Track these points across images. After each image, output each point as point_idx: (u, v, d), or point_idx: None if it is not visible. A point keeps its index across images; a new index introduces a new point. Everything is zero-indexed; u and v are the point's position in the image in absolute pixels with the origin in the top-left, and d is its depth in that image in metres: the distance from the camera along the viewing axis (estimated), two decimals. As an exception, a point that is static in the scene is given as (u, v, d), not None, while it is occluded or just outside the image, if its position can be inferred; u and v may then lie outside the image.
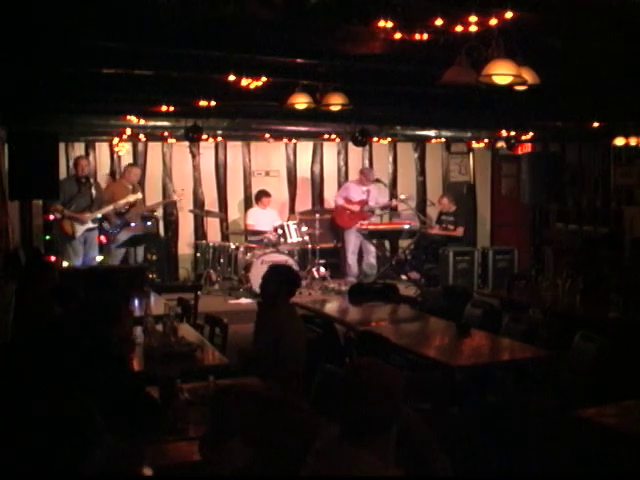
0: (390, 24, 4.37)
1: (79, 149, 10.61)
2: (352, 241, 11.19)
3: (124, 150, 10.82)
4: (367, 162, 12.12)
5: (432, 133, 10.81)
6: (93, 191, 9.56)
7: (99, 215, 9.63)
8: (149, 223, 10.31)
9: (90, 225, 9.42)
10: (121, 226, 9.79)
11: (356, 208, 11.11)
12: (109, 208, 9.66)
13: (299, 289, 9.85)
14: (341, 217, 11.25)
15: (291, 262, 9.83)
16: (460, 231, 10.95)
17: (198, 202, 11.31)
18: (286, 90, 6.52)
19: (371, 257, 11.32)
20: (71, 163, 10.16)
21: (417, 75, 6.12)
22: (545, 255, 11.27)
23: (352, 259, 11.24)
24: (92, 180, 9.73)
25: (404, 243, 11.42)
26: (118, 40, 5.02)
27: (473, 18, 4.22)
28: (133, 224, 9.93)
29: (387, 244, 11.91)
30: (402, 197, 11.07)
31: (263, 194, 10.85)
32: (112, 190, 10.06)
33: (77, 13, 4.46)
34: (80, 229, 9.32)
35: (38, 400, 2.35)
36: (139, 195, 9.95)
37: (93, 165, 10.72)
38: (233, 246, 10.25)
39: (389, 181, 12.06)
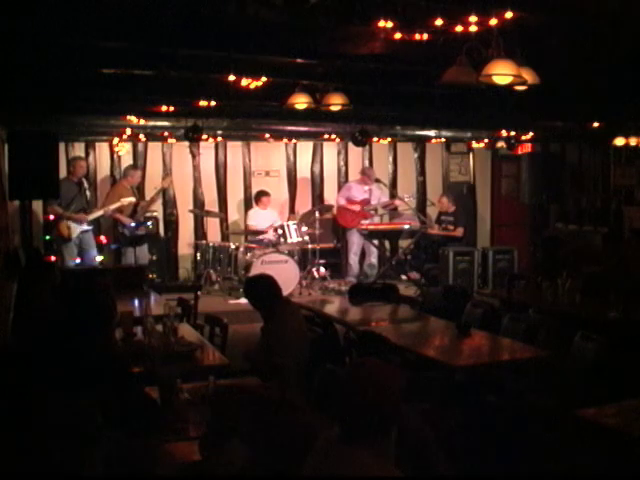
0: (390, 24, 4.38)
1: (79, 149, 10.59)
2: (355, 241, 11.13)
3: (124, 150, 10.81)
4: (367, 162, 12.11)
5: (432, 133, 10.81)
6: (87, 192, 9.56)
7: (100, 214, 9.65)
8: (149, 223, 10.31)
9: (85, 227, 9.41)
10: (137, 226, 9.84)
11: (357, 207, 11.08)
12: (102, 210, 9.67)
13: (299, 288, 9.70)
14: (343, 217, 11.20)
15: (291, 262, 9.84)
16: (460, 231, 10.94)
17: (198, 202, 11.31)
18: (286, 90, 6.53)
19: (373, 257, 11.30)
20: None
21: (417, 75, 6.13)
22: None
23: (354, 259, 11.21)
24: (85, 181, 9.69)
25: (404, 243, 11.41)
26: (118, 40, 5.03)
27: (473, 18, 4.23)
28: (149, 223, 10.11)
29: (387, 244, 11.91)
30: (406, 197, 11.05)
31: (262, 194, 10.84)
32: (114, 192, 10.06)
33: (77, 13, 4.46)
34: (76, 231, 9.31)
35: (38, 400, 2.36)
36: (132, 198, 9.92)
37: (93, 165, 10.73)
38: (233, 246, 10.24)
39: (389, 181, 12.05)
